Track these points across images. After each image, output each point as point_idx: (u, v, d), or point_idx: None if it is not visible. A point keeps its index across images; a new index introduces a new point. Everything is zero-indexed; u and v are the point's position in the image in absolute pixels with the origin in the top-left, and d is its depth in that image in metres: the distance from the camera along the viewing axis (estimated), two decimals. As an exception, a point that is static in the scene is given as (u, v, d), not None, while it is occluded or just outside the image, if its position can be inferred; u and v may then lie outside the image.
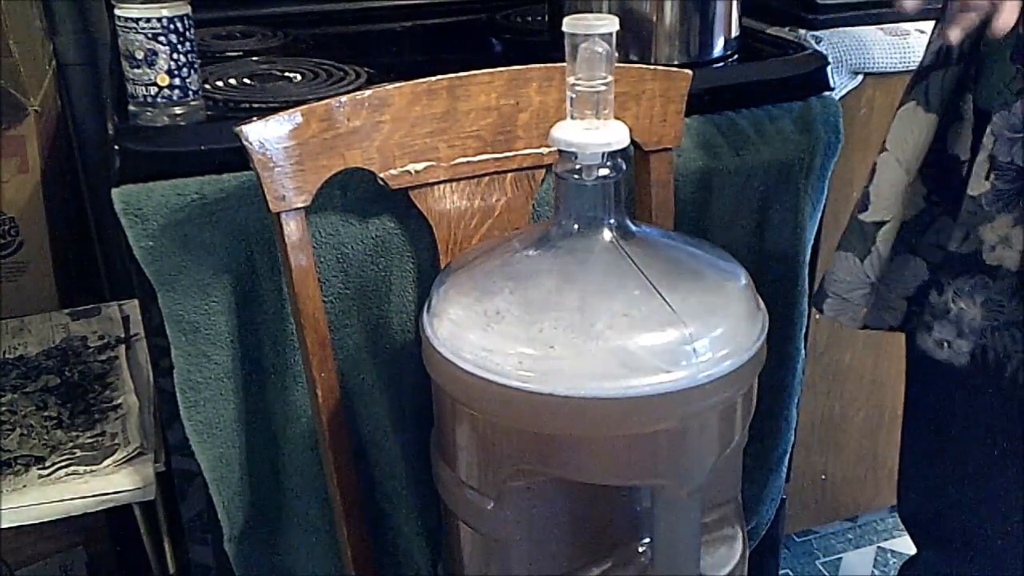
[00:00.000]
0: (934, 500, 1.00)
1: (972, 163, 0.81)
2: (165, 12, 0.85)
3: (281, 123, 0.79)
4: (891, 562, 1.61)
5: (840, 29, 1.27)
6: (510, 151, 0.90)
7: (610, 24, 0.72)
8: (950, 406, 0.94)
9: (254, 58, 1.13)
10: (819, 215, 1.11)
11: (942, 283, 0.82)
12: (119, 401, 1.17)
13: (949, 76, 0.83)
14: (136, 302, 1.05)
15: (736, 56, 1.12)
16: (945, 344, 0.83)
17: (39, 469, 1.06)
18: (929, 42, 0.88)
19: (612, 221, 0.77)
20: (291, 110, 0.79)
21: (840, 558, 1.63)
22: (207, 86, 0.97)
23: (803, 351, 1.15)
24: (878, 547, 1.65)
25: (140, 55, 0.86)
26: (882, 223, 0.88)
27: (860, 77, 1.27)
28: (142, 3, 0.85)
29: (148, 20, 0.85)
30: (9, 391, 1.18)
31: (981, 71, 0.81)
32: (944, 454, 0.97)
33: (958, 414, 0.93)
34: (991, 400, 0.87)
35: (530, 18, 1.32)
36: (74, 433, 1.11)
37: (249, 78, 1.03)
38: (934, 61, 0.85)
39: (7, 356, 1.25)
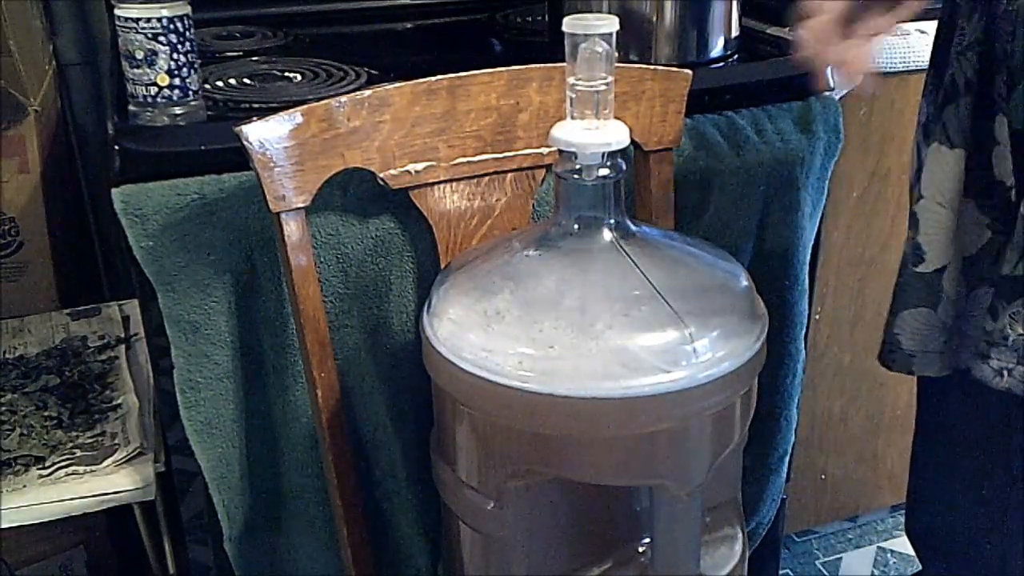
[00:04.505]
0: (945, 518, 0.99)
1: (1018, 187, 0.79)
2: (165, 12, 0.85)
3: (281, 123, 0.79)
4: (891, 562, 1.61)
5: (840, 29, 1.27)
6: (510, 151, 0.90)
7: (610, 24, 0.72)
8: (978, 428, 0.92)
9: (254, 58, 1.13)
10: (819, 215, 1.11)
11: (996, 308, 0.79)
12: (119, 401, 1.17)
13: (964, 107, 0.81)
14: (136, 302, 1.05)
15: (736, 56, 1.12)
16: (1005, 372, 0.79)
17: (39, 469, 1.06)
18: (935, 75, 0.86)
19: (612, 221, 0.77)
20: (291, 110, 0.79)
21: (840, 558, 1.63)
22: (207, 86, 0.97)
23: (803, 351, 1.14)
24: (878, 547, 1.65)
25: (140, 55, 0.86)
26: (943, 269, 0.85)
27: (860, 77, 1.27)
28: (142, 3, 0.85)
29: (148, 20, 0.85)
30: (9, 391, 1.18)
31: (1012, 90, 0.78)
32: (957, 472, 0.96)
33: (992, 437, 0.91)
34: None
35: (530, 18, 1.32)
36: (74, 433, 1.11)
37: (249, 78, 1.03)
38: (944, 97, 0.82)
39: (7, 356, 1.25)
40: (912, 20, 1.28)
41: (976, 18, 0.79)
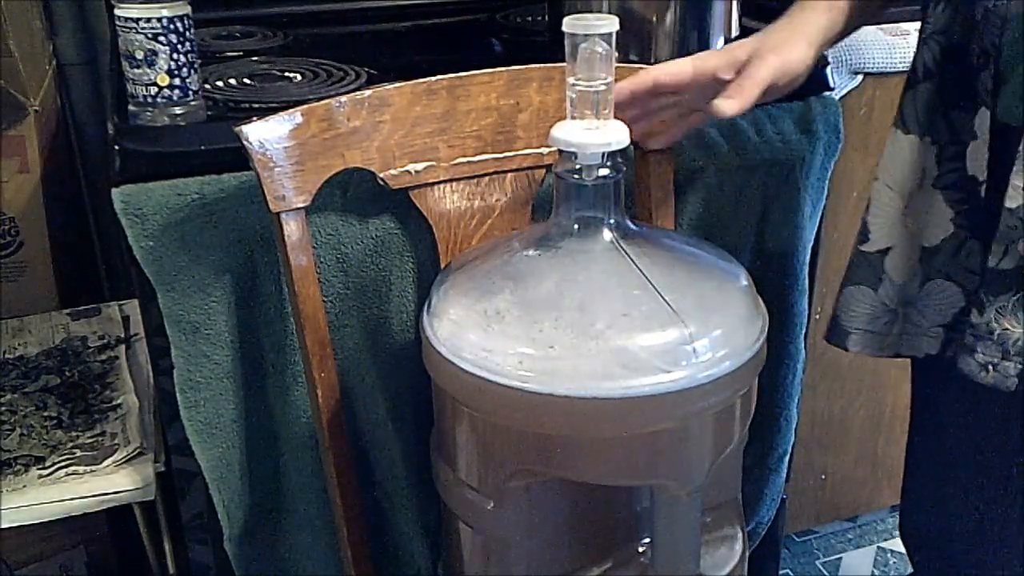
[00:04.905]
0: (941, 519, 0.99)
1: (989, 183, 0.79)
2: (165, 12, 0.85)
3: (281, 123, 0.79)
4: (891, 562, 1.61)
5: (840, 29, 1.27)
6: (510, 151, 0.90)
7: (610, 24, 0.72)
8: (974, 428, 0.92)
9: (254, 58, 1.13)
10: (819, 215, 1.11)
11: (983, 302, 0.79)
12: (119, 401, 1.17)
13: (921, 93, 0.82)
14: (136, 302, 1.05)
15: (736, 56, 1.12)
16: (990, 367, 0.79)
17: (39, 469, 1.06)
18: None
19: (612, 221, 0.77)
20: (291, 110, 0.79)
21: (840, 558, 1.63)
22: (207, 86, 0.97)
23: (803, 351, 1.14)
24: (878, 547, 1.65)
25: (140, 55, 0.86)
26: (886, 250, 0.86)
27: (860, 77, 1.27)
28: (142, 3, 0.85)
29: (148, 20, 0.85)
30: (9, 391, 1.18)
31: (1000, 84, 0.78)
32: (953, 473, 0.96)
33: (988, 436, 0.91)
34: None
35: (530, 18, 1.32)
36: (74, 433, 1.11)
37: (249, 78, 1.03)
38: (906, 83, 0.84)
39: (7, 356, 1.25)
40: (912, 20, 1.28)
41: (941, 7, 0.80)
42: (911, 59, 0.85)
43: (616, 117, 0.77)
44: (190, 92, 0.89)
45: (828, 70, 1.09)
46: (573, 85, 0.74)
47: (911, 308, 0.87)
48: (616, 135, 0.75)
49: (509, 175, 0.91)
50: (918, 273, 0.86)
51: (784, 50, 0.82)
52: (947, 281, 0.84)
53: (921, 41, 0.83)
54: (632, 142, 0.81)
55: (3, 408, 1.14)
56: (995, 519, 0.93)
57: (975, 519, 0.94)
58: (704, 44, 1.08)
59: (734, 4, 1.09)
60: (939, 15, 0.80)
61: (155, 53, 0.86)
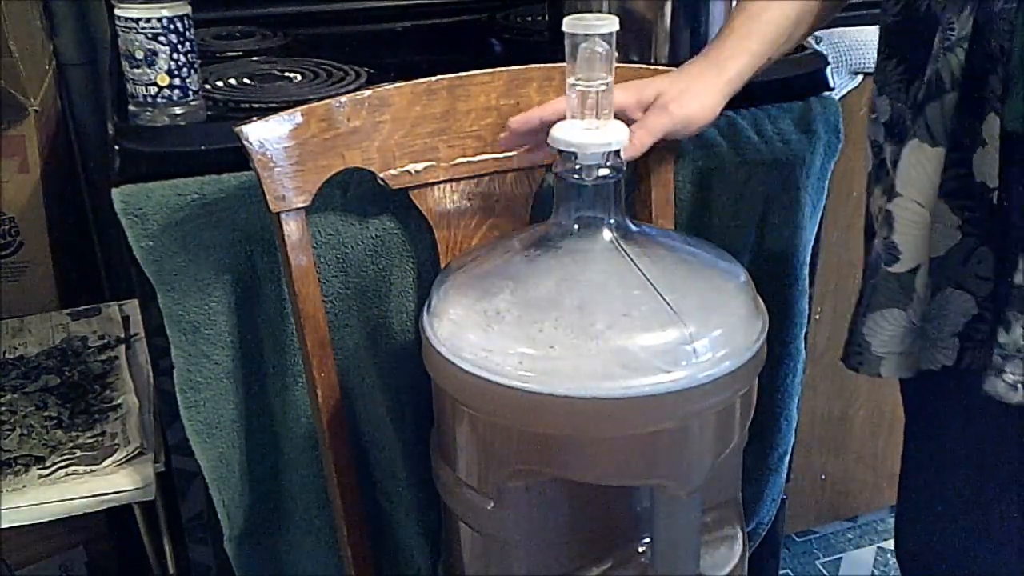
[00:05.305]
0: (938, 530, 0.98)
1: (1001, 189, 0.78)
2: (165, 12, 0.85)
3: (281, 123, 0.79)
4: (891, 562, 1.61)
5: (840, 29, 1.27)
6: (510, 151, 0.90)
7: (610, 24, 0.73)
8: (970, 442, 0.91)
9: (254, 58, 1.13)
10: (819, 215, 1.11)
11: (1010, 320, 0.77)
12: (119, 401, 1.17)
13: (947, 103, 0.79)
14: (136, 302, 1.05)
15: (736, 56, 1.12)
16: (1020, 386, 0.78)
17: (39, 469, 1.06)
18: (904, 71, 0.85)
19: (612, 221, 0.77)
20: (291, 110, 0.79)
21: (840, 558, 1.63)
22: (207, 86, 0.97)
23: (803, 351, 1.14)
24: (878, 547, 1.65)
25: (140, 55, 0.86)
26: (916, 268, 0.83)
27: (860, 77, 1.27)
28: (142, 3, 0.85)
29: (148, 20, 0.85)
30: (9, 391, 1.18)
31: (1009, 90, 0.76)
32: (954, 482, 0.95)
33: (984, 450, 0.90)
34: None
35: (530, 18, 1.32)
36: (74, 433, 1.11)
37: (249, 78, 1.03)
38: (927, 93, 0.80)
39: (7, 356, 1.25)
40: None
41: (967, 13, 0.77)
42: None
43: (514, 139, 0.78)
44: (190, 92, 0.89)
45: (828, 70, 1.09)
46: (573, 85, 0.74)
47: (925, 321, 0.86)
48: (616, 135, 0.75)
49: (509, 175, 0.91)
50: (929, 284, 0.85)
51: (688, 101, 0.83)
52: (957, 289, 0.83)
53: (944, 50, 0.79)
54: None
55: (3, 408, 1.14)
56: (994, 527, 0.92)
57: (973, 527, 0.94)
58: (702, 44, 1.08)
59: (734, 4, 1.09)
60: (964, 21, 0.77)
61: (155, 53, 0.86)
